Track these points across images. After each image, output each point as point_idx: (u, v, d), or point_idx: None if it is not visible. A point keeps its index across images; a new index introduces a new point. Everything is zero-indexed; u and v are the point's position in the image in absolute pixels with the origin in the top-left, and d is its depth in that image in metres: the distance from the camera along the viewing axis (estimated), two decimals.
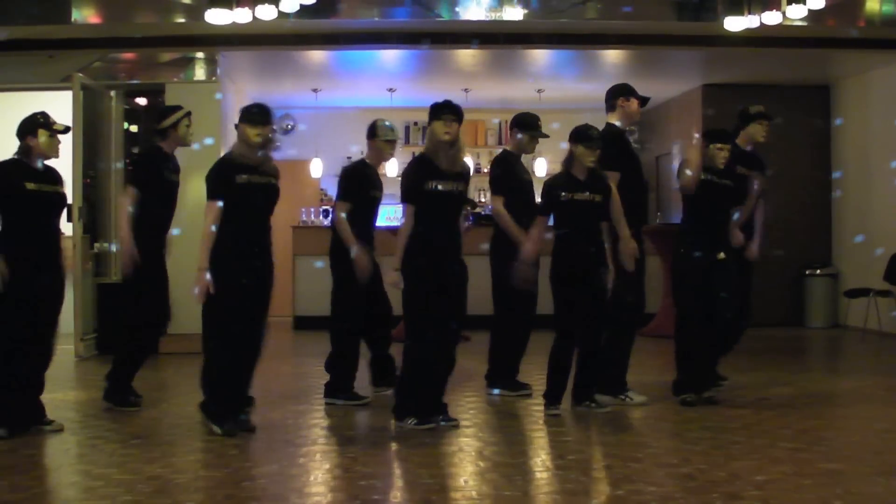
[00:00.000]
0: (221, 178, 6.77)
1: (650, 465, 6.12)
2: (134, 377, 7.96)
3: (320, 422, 7.60)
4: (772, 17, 9.49)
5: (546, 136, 8.69)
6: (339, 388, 8.07)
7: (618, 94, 8.38)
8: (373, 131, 8.29)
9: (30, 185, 6.78)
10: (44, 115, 7.01)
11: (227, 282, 6.66)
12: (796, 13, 9.46)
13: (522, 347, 8.52)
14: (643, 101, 8.40)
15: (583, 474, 5.94)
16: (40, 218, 6.90)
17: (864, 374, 10.21)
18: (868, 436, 6.97)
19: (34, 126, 6.88)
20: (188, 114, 8.01)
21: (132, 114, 12.92)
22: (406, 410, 7.01)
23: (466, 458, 6.31)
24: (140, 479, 5.71)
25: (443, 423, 7.03)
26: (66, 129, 7.10)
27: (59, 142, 7.00)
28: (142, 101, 13.19)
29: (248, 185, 6.77)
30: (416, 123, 16.82)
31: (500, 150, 9.02)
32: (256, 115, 6.88)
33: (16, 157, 6.91)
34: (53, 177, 7.04)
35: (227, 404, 6.87)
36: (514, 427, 7.37)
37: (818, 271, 14.01)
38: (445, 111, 7.07)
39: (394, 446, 6.74)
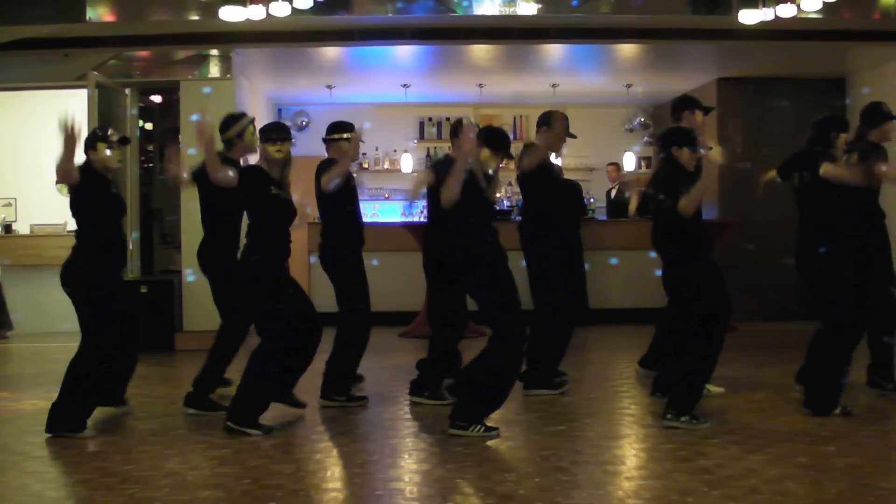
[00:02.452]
0: (266, 183, 7.06)
1: (667, 459, 6.12)
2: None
3: (338, 418, 7.60)
4: (786, 10, 9.47)
5: (574, 136, 8.65)
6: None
7: (683, 107, 8.42)
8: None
9: (113, 190, 7.22)
10: (102, 128, 7.41)
11: (277, 292, 6.99)
12: (811, 5, 9.44)
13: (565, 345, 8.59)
14: (707, 111, 8.45)
15: (599, 469, 5.94)
16: (119, 222, 7.30)
17: None
18: (886, 430, 6.94)
19: (94, 141, 7.18)
20: (252, 121, 8.05)
21: (147, 111, 12.97)
22: (481, 415, 6.85)
23: (486, 455, 6.31)
24: (157, 476, 5.75)
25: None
26: (123, 139, 7.38)
27: (119, 152, 7.29)
28: (157, 98, 13.24)
29: (279, 198, 7.10)
30: (430, 119, 16.83)
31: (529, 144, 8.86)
32: (273, 131, 7.18)
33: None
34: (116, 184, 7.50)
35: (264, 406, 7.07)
36: (528, 423, 7.36)
37: None
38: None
39: (410, 443, 6.75)
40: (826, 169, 7.19)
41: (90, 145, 7.15)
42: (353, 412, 7.78)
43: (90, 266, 6.95)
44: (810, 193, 7.33)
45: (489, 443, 6.53)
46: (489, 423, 6.80)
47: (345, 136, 8.15)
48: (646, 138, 16.55)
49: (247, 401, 6.91)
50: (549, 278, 8.29)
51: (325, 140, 8.27)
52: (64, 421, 6.84)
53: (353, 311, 8.05)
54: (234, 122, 7.97)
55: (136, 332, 7.37)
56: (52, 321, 11.54)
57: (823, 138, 7.47)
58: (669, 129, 7.59)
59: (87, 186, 7.02)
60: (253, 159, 7.98)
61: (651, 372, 8.77)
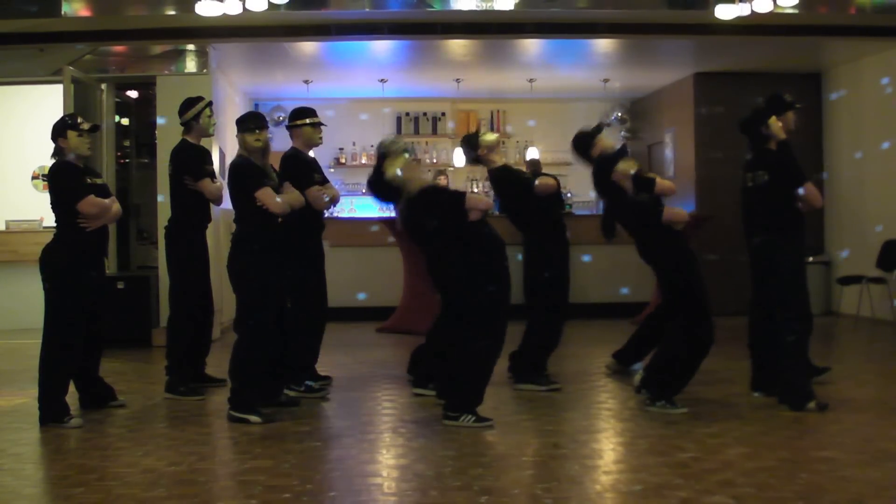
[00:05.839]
0: (261, 178, 7.21)
1: (644, 453, 6.13)
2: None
3: (315, 413, 7.59)
4: (763, 5, 9.49)
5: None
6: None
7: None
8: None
9: (89, 180, 7.20)
10: (71, 116, 7.42)
11: (272, 275, 7.19)
12: (787, 1, 9.45)
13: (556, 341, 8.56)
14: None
15: (577, 463, 5.95)
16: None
17: (857, 361, 10.25)
18: (860, 423, 6.98)
19: (63, 128, 7.19)
20: (209, 104, 8.30)
21: (123, 106, 12.90)
22: (469, 405, 6.94)
23: (464, 450, 6.30)
24: (135, 472, 5.72)
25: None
26: (94, 128, 7.38)
27: (88, 140, 7.28)
28: (133, 93, 13.17)
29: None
30: (407, 114, 16.80)
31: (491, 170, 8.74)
32: (251, 121, 7.31)
33: (57, 157, 7.24)
34: (97, 171, 7.58)
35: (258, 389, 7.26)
36: (507, 417, 7.36)
37: (811, 259, 13.99)
38: None
39: (388, 438, 6.75)
40: (808, 188, 7.39)
41: (60, 133, 7.16)
42: (331, 408, 7.78)
43: (66, 258, 7.06)
44: (765, 193, 7.42)
45: (467, 437, 6.53)
46: (483, 415, 6.89)
47: (307, 120, 8.17)
48: (623, 133, 16.57)
49: (240, 389, 7.08)
50: (549, 273, 8.30)
51: (288, 127, 8.31)
52: (50, 412, 6.99)
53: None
54: (190, 106, 8.24)
55: (97, 329, 7.47)
56: (29, 317, 11.47)
57: (758, 136, 7.56)
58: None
59: (64, 182, 7.11)
60: (207, 142, 8.13)
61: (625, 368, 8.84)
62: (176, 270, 8.19)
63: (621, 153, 7.95)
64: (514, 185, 8.49)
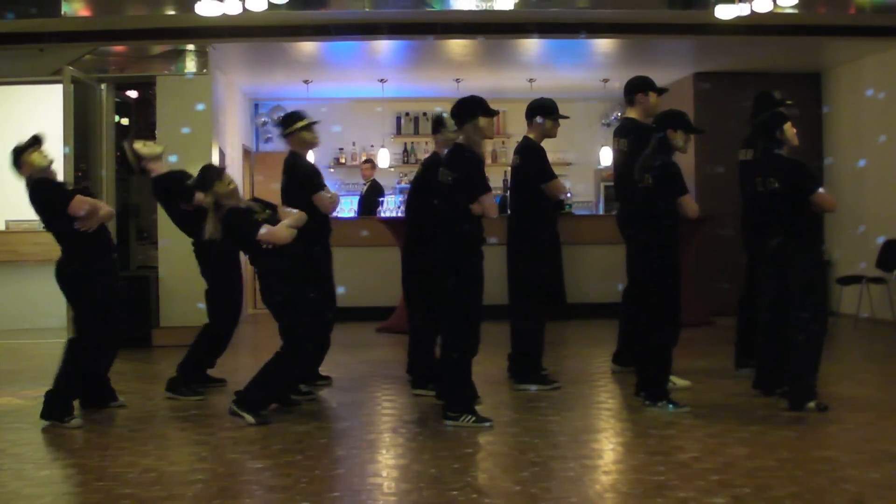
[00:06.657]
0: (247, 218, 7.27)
1: (644, 453, 6.13)
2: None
3: (315, 414, 7.59)
4: (762, 5, 9.49)
5: (566, 117, 8.61)
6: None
7: (636, 89, 8.45)
8: None
9: (69, 186, 7.39)
10: (22, 142, 7.26)
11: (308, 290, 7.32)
12: (787, 1, 9.45)
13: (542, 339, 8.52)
14: (660, 92, 8.46)
15: (577, 463, 5.94)
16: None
17: (857, 361, 10.24)
18: (860, 423, 6.97)
19: (17, 154, 7.21)
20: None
21: (123, 106, 12.89)
22: (465, 405, 6.96)
23: (464, 449, 6.30)
24: (134, 472, 5.72)
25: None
26: (33, 140, 7.26)
27: (40, 151, 7.20)
28: (133, 93, 13.16)
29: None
30: (407, 114, 16.80)
31: (524, 138, 8.66)
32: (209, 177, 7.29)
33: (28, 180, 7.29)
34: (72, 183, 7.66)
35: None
36: (506, 417, 7.36)
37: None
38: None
39: (387, 438, 6.75)
40: (821, 195, 7.29)
41: (17, 162, 7.22)
42: (331, 408, 7.78)
43: (78, 268, 7.15)
44: (779, 199, 7.35)
45: (468, 437, 6.53)
46: (483, 415, 6.91)
47: (298, 125, 8.12)
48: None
49: (258, 392, 7.08)
50: (533, 272, 8.28)
51: (284, 135, 8.21)
52: (55, 409, 7.00)
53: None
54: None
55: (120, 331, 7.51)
56: (29, 317, 11.48)
57: (772, 139, 7.46)
58: (665, 111, 7.74)
59: (47, 195, 7.22)
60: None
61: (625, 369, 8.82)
62: (215, 278, 8.21)
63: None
64: (541, 162, 8.43)
